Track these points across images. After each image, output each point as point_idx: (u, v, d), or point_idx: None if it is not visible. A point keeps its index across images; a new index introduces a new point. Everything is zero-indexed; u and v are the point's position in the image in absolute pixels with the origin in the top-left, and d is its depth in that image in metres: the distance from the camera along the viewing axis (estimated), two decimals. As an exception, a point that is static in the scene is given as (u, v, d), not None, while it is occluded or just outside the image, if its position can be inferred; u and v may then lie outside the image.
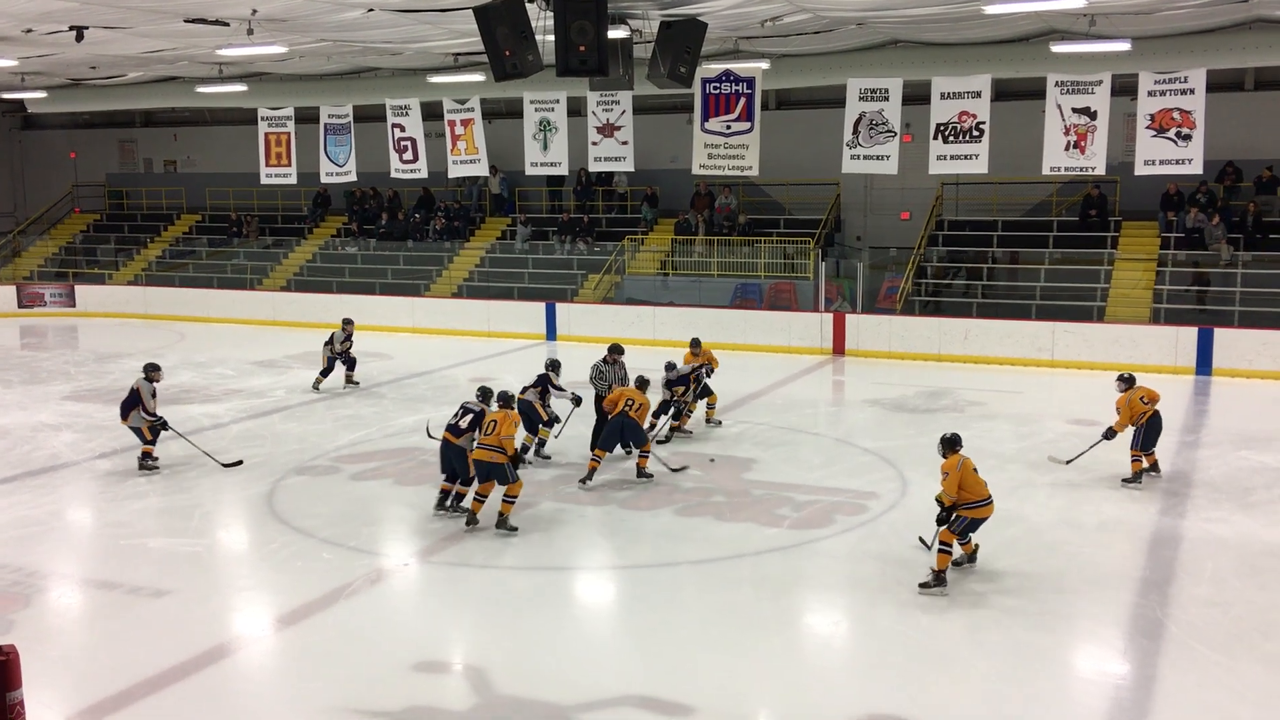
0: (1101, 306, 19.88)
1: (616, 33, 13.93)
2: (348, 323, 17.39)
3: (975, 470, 8.53)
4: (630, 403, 11.55)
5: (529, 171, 19.59)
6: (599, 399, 12.54)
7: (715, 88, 17.67)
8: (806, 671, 7.24)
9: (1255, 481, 11.49)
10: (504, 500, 9.98)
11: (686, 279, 23.22)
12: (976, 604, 8.24)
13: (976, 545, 8.87)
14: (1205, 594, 8.41)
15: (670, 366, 13.68)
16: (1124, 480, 11.33)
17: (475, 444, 10.06)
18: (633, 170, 19.51)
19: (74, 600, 8.65)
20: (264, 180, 22.00)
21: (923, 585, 8.35)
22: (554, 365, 12.57)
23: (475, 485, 10.14)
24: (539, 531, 10.07)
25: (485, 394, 10.85)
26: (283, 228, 29.06)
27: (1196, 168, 15.72)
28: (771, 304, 22.19)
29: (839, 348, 20.48)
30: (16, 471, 12.23)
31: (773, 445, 13.30)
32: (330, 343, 17.09)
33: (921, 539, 8.60)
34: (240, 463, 12.44)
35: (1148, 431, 11.37)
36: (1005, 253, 21.85)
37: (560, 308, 22.93)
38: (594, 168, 19.50)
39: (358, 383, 17.29)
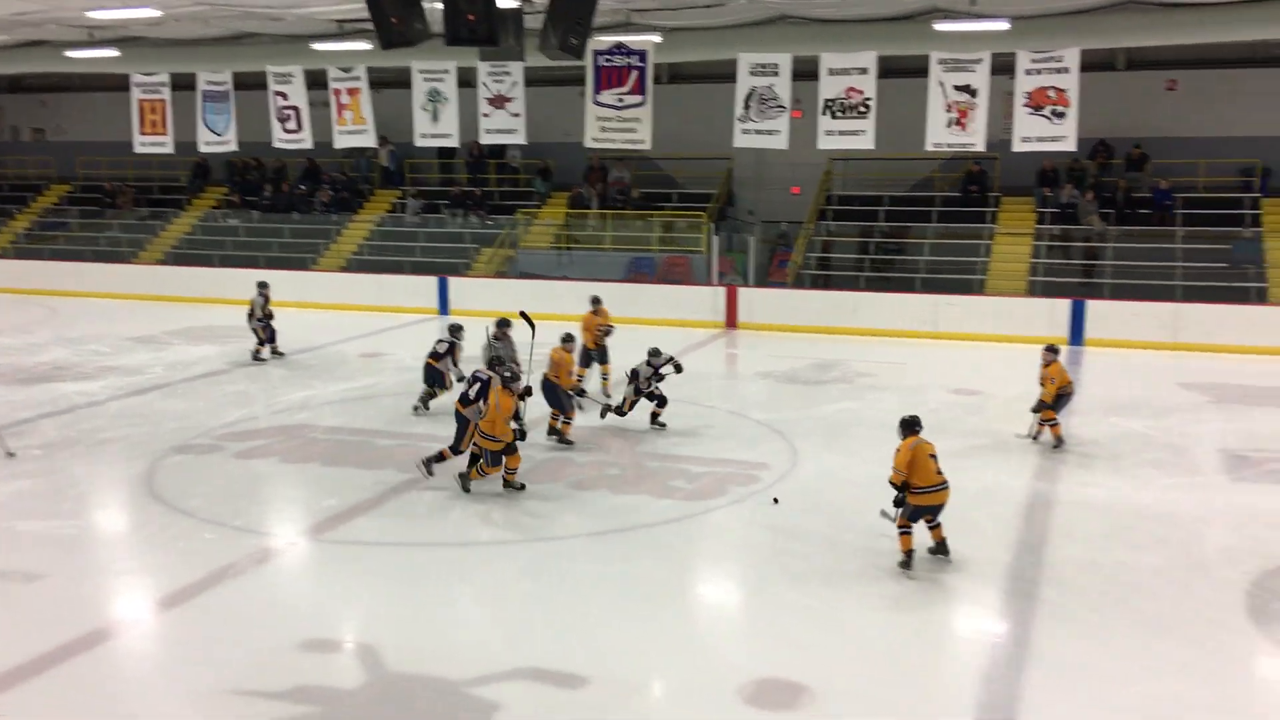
0: (982, 279, 20.51)
1: (506, 2, 13.73)
2: (263, 286, 16.98)
3: (933, 456, 8.29)
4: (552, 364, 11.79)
5: (419, 143, 19.22)
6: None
7: (607, 60, 17.58)
8: (700, 640, 7.32)
9: (1124, 447, 12.02)
10: (506, 472, 10.22)
11: (580, 253, 23.15)
12: (863, 571, 8.44)
13: (943, 538, 8.50)
14: (1078, 555, 8.77)
15: (655, 353, 12.85)
16: (1054, 448, 11.83)
17: (479, 426, 10.13)
18: (525, 143, 19.31)
19: (-63, 588, 8.22)
20: (138, 149, 21.10)
21: (901, 564, 8.28)
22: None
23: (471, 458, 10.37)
24: (433, 507, 9.96)
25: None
26: (160, 199, 28.01)
27: (1070, 145, 16.26)
28: (665, 278, 22.29)
29: (731, 321, 20.70)
30: (-128, 454, 11.57)
31: (666, 417, 13.37)
32: (252, 313, 16.72)
33: (884, 511, 8.43)
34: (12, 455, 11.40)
35: (1063, 399, 11.86)
36: (891, 227, 22.34)
37: (453, 282, 22.64)
38: (485, 140, 19.24)
39: (283, 353, 16.97)
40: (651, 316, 20.84)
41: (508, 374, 10.32)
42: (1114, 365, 17.14)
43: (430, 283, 22.69)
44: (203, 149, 20.73)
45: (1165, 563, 8.65)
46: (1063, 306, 18.85)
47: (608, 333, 14.42)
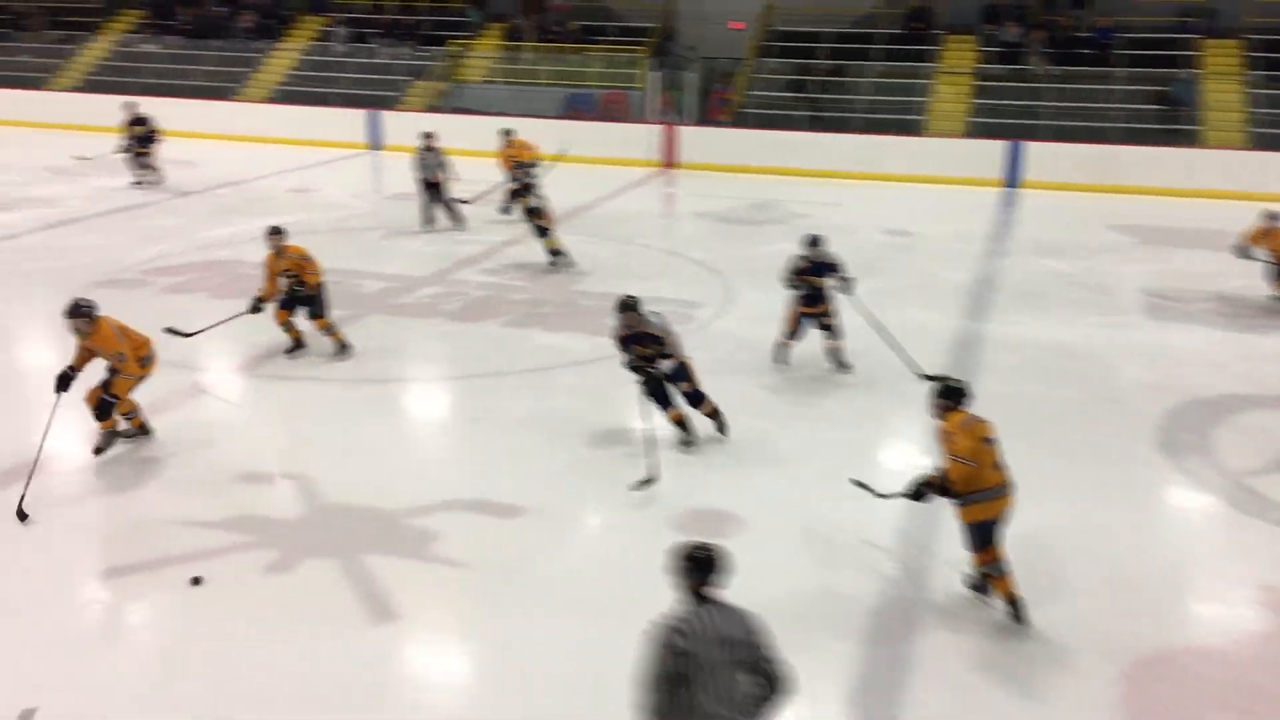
0: (921, 120, 20.38)
1: None
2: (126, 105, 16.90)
3: (989, 441, 5.56)
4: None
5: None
6: (428, 183, 14.36)
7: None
8: (628, 467, 7.46)
9: (1049, 287, 12.26)
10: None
11: (516, 88, 22.49)
12: (800, 402, 8.61)
13: (1019, 598, 5.65)
14: (999, 389, 9.02)
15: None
16: None
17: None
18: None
19: None
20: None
21: (1014, 617, 5.64)
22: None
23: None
24: (366, 345, 9.89)
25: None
26: (72, 21, 26.47)
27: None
28: (604, 115, 21.81)
29: (670, 160, 20.42)
30: None
31: (602, 257, 13.31)
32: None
33: (858, 482, 6.21)
34: None
35: None
36: (832, 65, 21.96)
37: (385, 116, 21.93)
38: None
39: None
40: (588, 155, 20.47)
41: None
42: (1047, 207, 17.32)
43: (359, 116, 21.96)
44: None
45: (1082, 396, 8.96)
46: (1000, 148, 18.85)
47: (529, 167, 13.72)
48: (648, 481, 7.06)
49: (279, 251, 9.15)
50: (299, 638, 5.46)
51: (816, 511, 6.87)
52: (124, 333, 7.35)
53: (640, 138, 20.58)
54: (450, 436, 8.19)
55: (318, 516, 6.72)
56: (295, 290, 9.27)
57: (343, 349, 9.50)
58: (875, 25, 22.38)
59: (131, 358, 7.31)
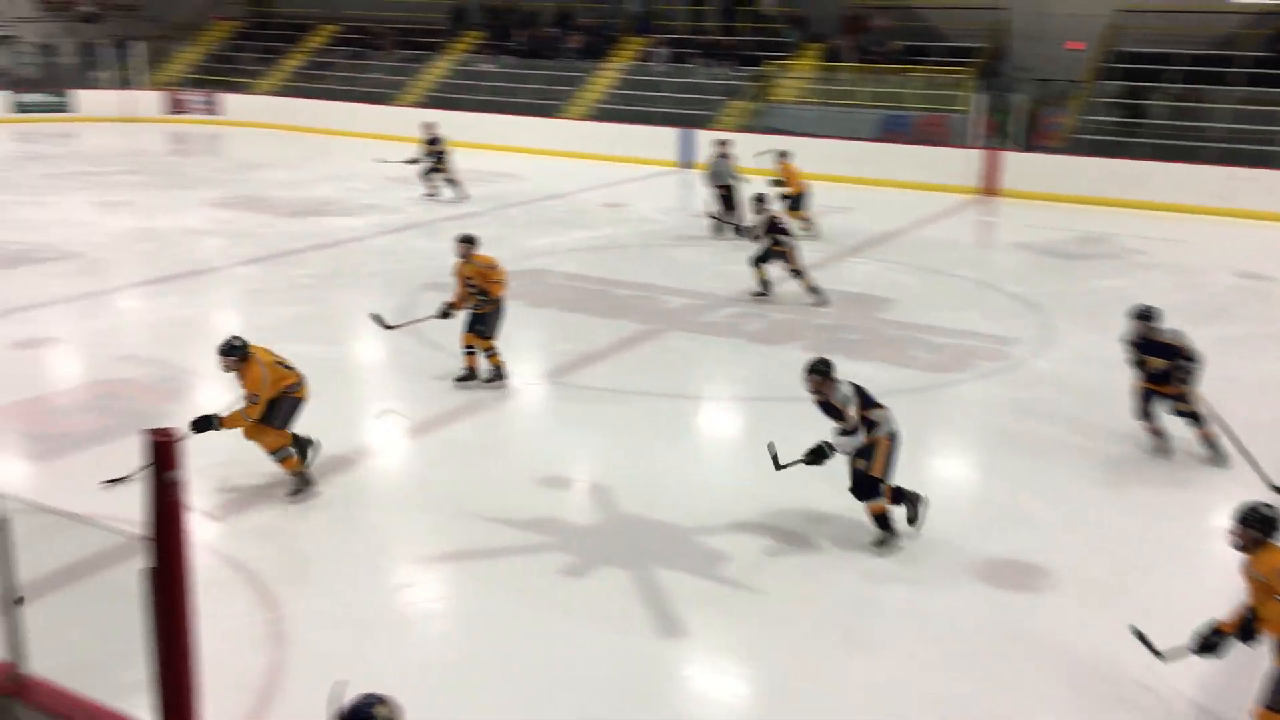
0: (1287, 153, 18.51)
1: None
2: (427, 126, 17.96)
3: None
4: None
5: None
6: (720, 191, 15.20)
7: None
8: (929, 517, 7.24)
9: None
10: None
11: (830, 109, 22.44)
12: (1105, 451, 8.04)
13: None
14: None
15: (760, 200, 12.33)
16: None
17: None
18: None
19: (220, 399, 9.16)
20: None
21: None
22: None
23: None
24: (665, 361, 10.18)
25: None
26: (419, 42, 28.99)
27: None
28: (919, 139, 21.35)
29: (990, 187, 19.68)
30: (168, 273, 12.88)
31: (910, 285, 13.02)
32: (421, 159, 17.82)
33: (1139, 633, 5.16)
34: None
35: None
36: (1183, 90, 20.37)
37: (697, 135, 22.51)
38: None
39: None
40: (903, 179, 20.10)
41: None
42: None
43: (672, 134, 22.66)
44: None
45: None
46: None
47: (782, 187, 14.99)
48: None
49: (467, 259, 9.11)
50: (582, 640, 5.68)
51: (1122, 565, 6.37)
52: (271, 369, 7.02)
53: (958, 163, 19.97)
54: (742, 458, 8.26)
55: (612, 525, 6.97)
56: (480, 302, 9.08)
57: (498, 375, 9.27)
58: (1236, 47, 20.56)
59: (262, 401, 6.95)
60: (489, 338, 9.14)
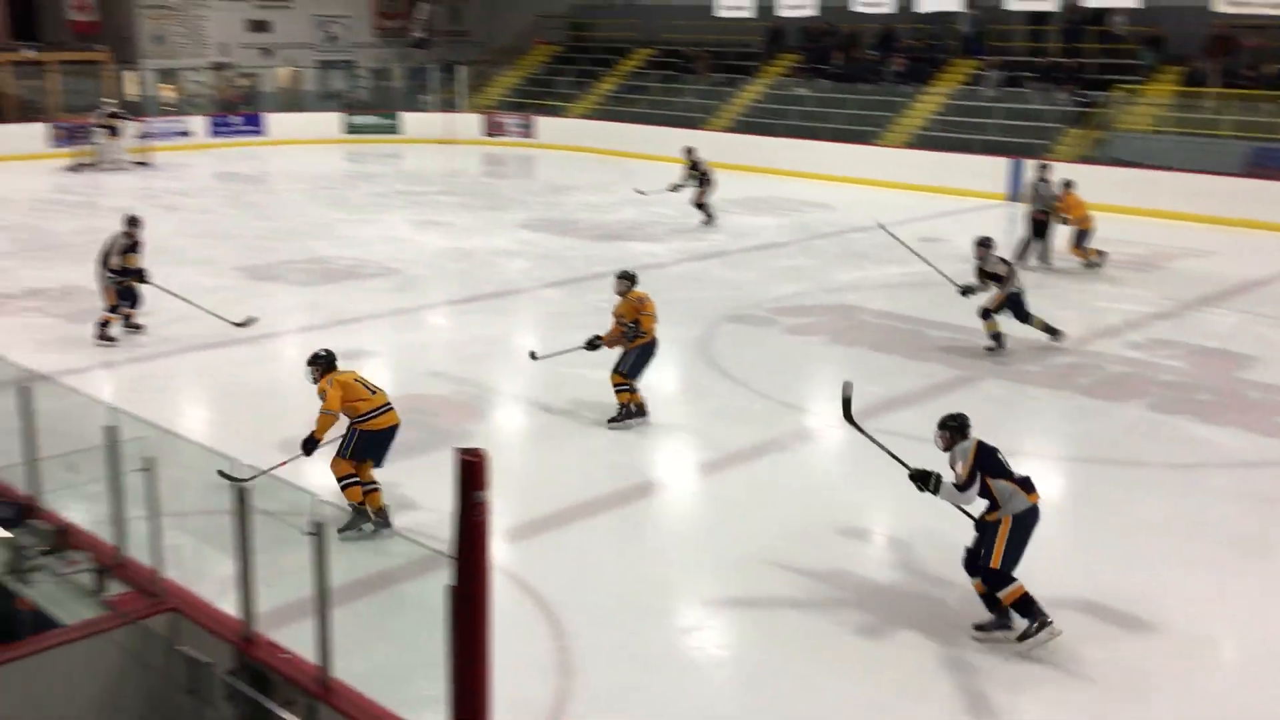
0: None
1: None
2: (688, 151, 18.34)
3: None
4: None
5: (1009, 5, 18.32)
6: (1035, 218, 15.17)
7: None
8: (1294, 608, 6.56)
9: None
10: None
11: (1189, 139, 20.92)
12: None
13: None
14: None
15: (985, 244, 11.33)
16: None
17: None
18: (1138, 7, 17.63)
19: (522, 421, 9.69)
20: (718, 13, 22.37)
21: None
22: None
23: None
24: (981, 411, 9.76)
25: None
26: (733, 65, 29.60)
27: None
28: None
29: (1386, 233, 17.69)
30: (476, 293, 13.78)
31: (1279, 342, 11.89)
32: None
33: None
34: (250, 321, 11.57)
35: None
36: None
37: (1028, 165, 21.61)
38: (1091, 0, 17.81)
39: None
40: (1272, 220, 18.42)
41: None
42: None
43: (1000, 164, 21.86)
44: (782, 12, 21.48)
45: None
46: None
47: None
48: None
49: (624, 294, 9.24)
50: (878, 707, 5.51)
51: None
52: (345, 389, 7.07)
53: (1346, 204, 18.08)
54: (1067, 528, 7.79)
55: (913, 585, 6.76)
56: (631, 334, 9.16)
57: (639, 412, 9.23)
58: None
59: (329, 409, 7.01)
60: (630, 376, 9.22)
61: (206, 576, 5.68)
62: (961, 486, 6.17)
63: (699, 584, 6.85)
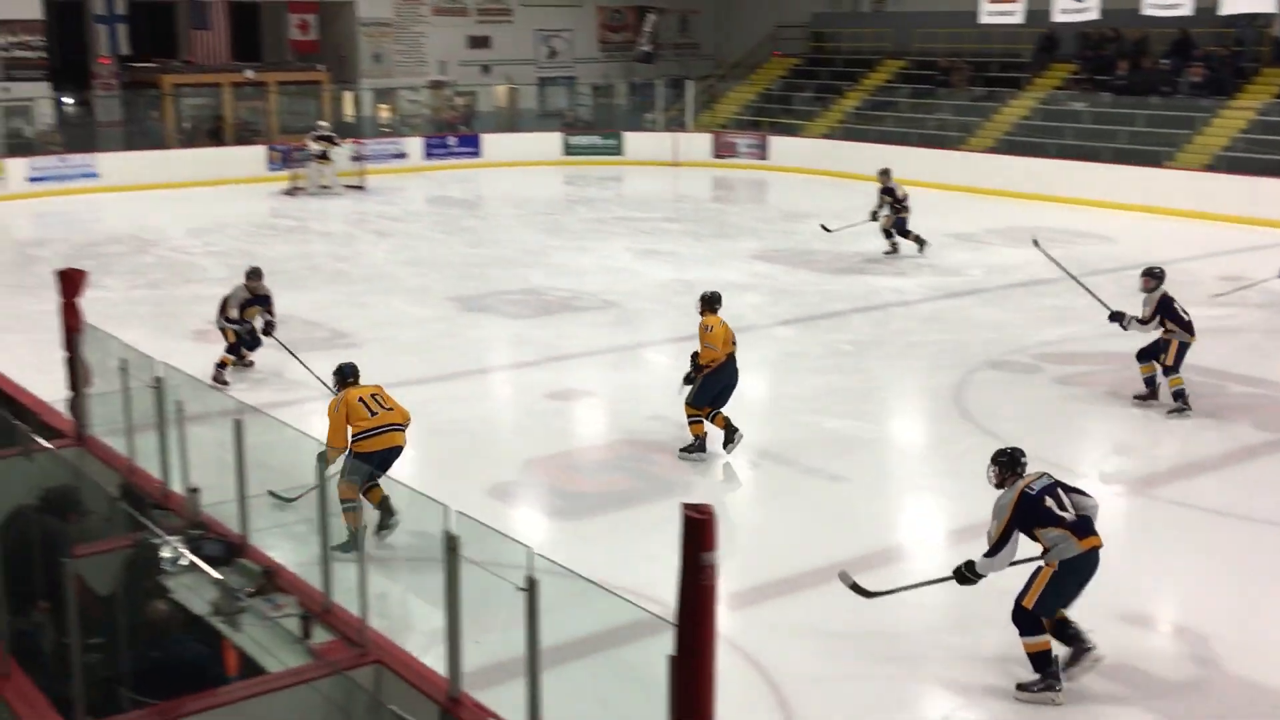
0: None
1: None
2: (884, 174, 17.84)
3: None
4: None
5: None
6: None
7: None
8: None
9: None
10: None
11: None
12: None
13: None
14: None
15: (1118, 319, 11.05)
16: None
17: None
18: None
19: (748, 473, 9.69)
20: (983, 19, 22.00)
21: None
22: None
23: None
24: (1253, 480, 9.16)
25: None
26: (997, 77, 28.94)
27: None
28: None
29: None
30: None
31: None
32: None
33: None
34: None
35: None
36: None
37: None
38: None
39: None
40: None
41: None
42: None
43: (1324, 191, 20.55)
44: (1057, 18, 20.91)
45: None
46: None
47: None
48: None
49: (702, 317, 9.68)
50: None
51: None
52: (349, 410, 7.55)
53: None
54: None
55: (1211, 685, 6.39)
56: (695, 364, 9.55)
57: (699, 447, 9.55)
58: None
59: (332, 444, 7.38)
60: (698, 406, 9.52)
61: (413, 629, 5.93)
62: (991, 553, 6.23)
63: (947, 669, 6.65)
